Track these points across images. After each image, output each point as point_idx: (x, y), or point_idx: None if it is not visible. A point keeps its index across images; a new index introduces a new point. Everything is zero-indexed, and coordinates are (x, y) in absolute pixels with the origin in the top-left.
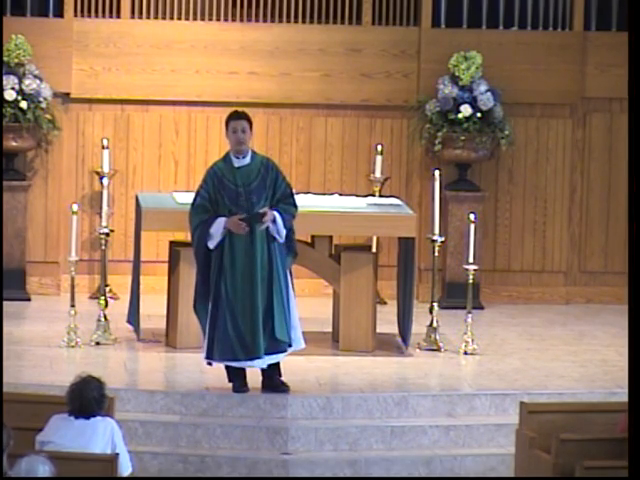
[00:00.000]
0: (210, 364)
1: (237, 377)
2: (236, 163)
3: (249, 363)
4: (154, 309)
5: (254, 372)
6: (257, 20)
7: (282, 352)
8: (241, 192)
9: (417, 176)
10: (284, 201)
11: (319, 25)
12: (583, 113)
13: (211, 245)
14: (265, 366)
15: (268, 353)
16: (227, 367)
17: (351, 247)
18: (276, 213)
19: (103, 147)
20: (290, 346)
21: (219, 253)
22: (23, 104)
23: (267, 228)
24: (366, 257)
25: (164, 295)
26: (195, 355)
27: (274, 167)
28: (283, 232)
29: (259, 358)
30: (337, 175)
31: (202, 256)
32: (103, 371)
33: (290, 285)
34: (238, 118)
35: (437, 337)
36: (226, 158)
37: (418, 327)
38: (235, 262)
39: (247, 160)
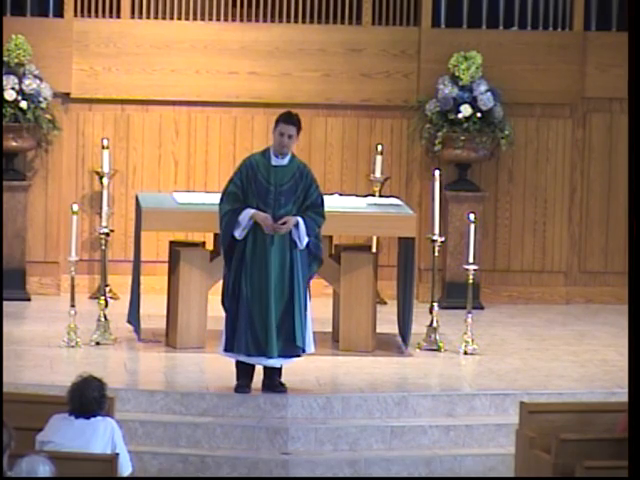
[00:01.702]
0: (230, 349)
1: (244, 376)
2: (274, 161)
3: (263, 361)
4: (154, 309)
5: (254, 372)
6: (257, 20)
7: (297, 356)
8: (272, 191)
9: (417, 176)
10: (313, 210)
11: (319, 25)
12: (583, 113)
13: (237, 234)
14: (279, 365)
15: (284, 356)
16: (237, 365)
17: (351, 247)
18: (300, 219)
19: (103, 147)
20: (304, 351)
21: (242, 247)
22: (23, 104)
23: (290, 233)
24: (366, 257)
25: (164, 295)
26: (195, 355)
27: (309, 174)
28: (304, 239)
29: (271, 357)
30: (337, 175)
31: (227, 245)
32: (103, 371)
33: (308, 291)
34: (288, 123)
35: (437, 337)
36: (265, 153)
37: (418, 327)
38: (255, 260)
39: (285, 161)
